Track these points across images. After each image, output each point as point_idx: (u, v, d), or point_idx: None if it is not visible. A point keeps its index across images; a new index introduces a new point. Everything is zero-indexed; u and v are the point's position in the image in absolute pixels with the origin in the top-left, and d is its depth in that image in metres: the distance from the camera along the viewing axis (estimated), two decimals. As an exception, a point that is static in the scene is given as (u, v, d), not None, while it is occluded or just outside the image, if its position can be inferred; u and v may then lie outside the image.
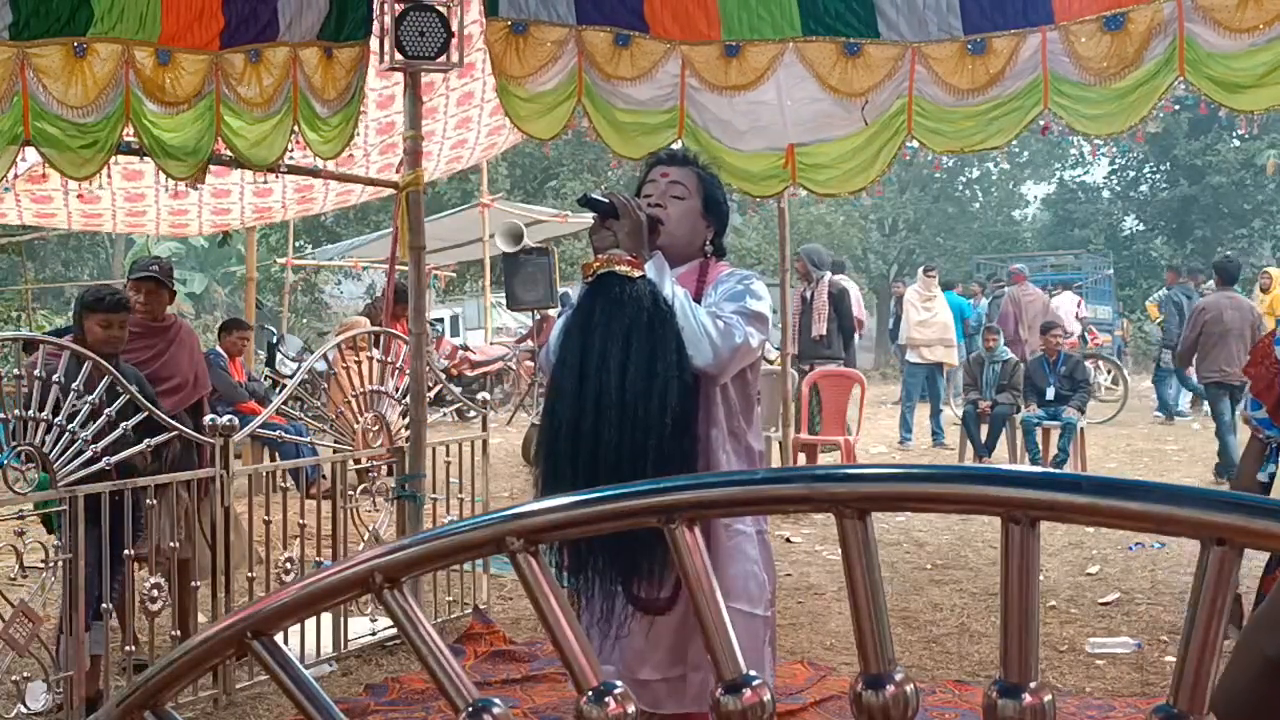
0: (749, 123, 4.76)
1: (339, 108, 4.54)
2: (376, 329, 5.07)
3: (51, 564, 3.60)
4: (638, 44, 4.70)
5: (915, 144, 4.67)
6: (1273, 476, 3.17)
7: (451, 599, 5.02)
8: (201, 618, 4.51)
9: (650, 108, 4.79)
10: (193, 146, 4.17)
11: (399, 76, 4.87)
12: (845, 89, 4.56)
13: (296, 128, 4.43)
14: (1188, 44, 4.04)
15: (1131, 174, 29.87)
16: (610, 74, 4.72)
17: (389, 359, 4.80)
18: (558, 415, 2.39)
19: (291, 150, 4.56)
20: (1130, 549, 6.22)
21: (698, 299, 2.58)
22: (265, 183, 7.21)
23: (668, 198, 2.63)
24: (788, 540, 6.54)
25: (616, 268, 2.40)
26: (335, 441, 4.72)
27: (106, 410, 3.59)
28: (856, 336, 10.01)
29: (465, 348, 15.03)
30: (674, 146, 2.93)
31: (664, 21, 4.66)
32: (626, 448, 2.28)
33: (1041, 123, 4.40)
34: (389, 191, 7.47)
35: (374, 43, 4.62)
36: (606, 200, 2.49)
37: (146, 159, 4.35)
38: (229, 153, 4.38)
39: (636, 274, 2.40)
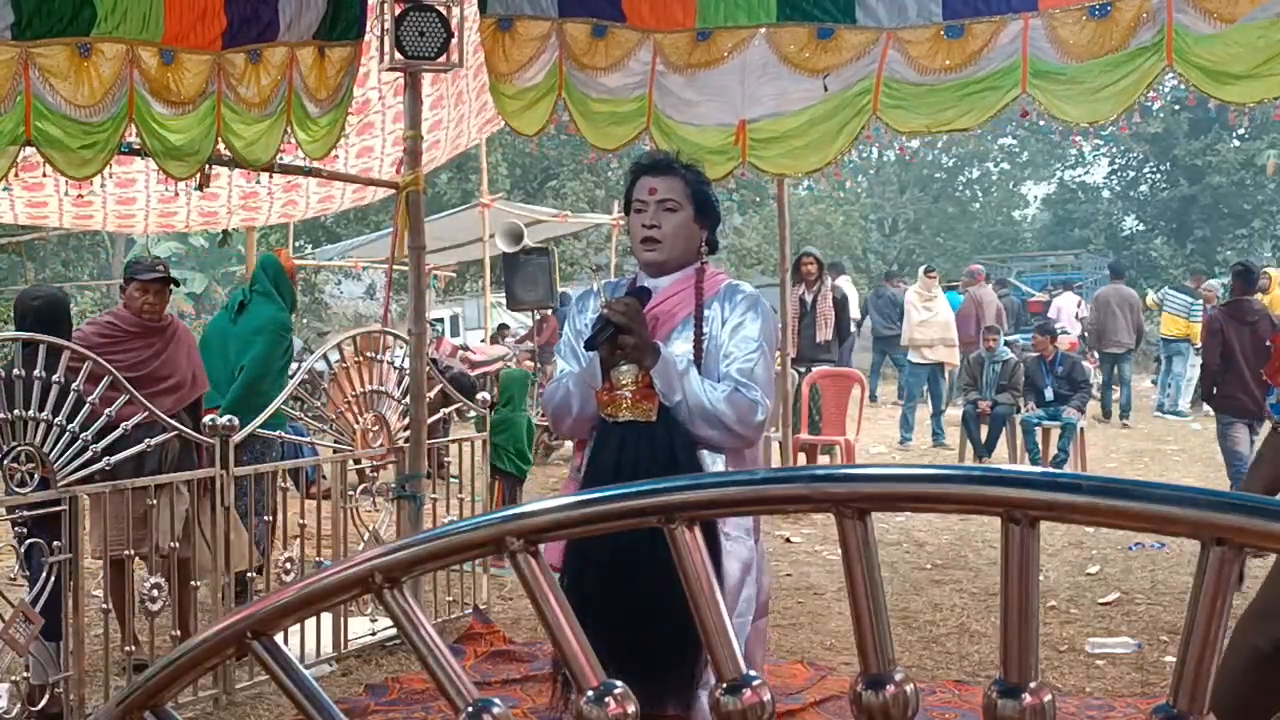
0: (706, 95, 4.65)
1: (329, 108, 4.54)
2: (376, 329, 5.06)
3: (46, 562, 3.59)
4: (614, 34, 4.65)
5: (880, 125, 4.50)
6: None
7: (451, 599, 5.02)
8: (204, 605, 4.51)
9: (620, 96, 4.72)
10: (195, 147, 4.17)
11: (373, 77, 4.88)
12: (808, 67, 4.46)
13: (289, 128, 4.43)
14: (1176, 32, 3.93)
15: (1131, 174, 29.89)
16: (586, 65, 4.68)
17: (388, 358, 4.80)
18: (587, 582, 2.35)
19: (284, 150, 4.56)
20: (1130, 549, 6.22)
21: (699, 308, 2.57)
22: (251, 187, 7.24)
23: (661, 214, 2.60)
24: (788, 540, 6.54)
25: (634, 416, 2.44)
26: (335, 441, 4.72)
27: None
28: (853, 335, 10.26)
29: (465, 348, 15.03)
30: (652, 151, 2.85)
31: (641, 12, 4.63)
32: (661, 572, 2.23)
33: (1019, 107, 4.27)
34: (375, 196, 7.49)
35: (373, 42, 4.62)
36: (606, 327, 2.45)
37: (145, 160, 4.35)
38: (227, 153, 4.38)
39: (652, 409, 2.43)
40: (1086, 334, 12.68)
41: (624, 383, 2.46)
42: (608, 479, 2.41)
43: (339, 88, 4.56)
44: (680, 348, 2.54)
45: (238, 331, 5.24)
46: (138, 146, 4.14)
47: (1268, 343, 6.99)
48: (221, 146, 4.30)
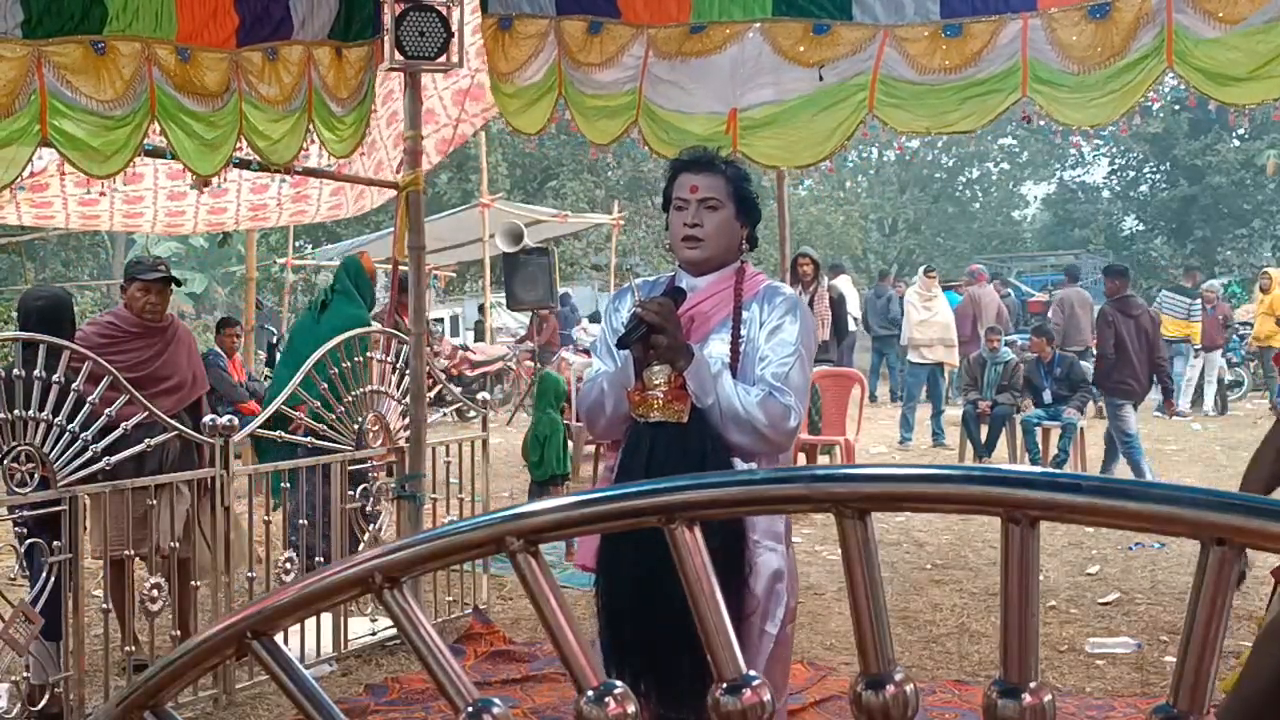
0: (697, 82, 4.61)
1: (352, 106, 4.55)
2: (377, 329, 5.07)
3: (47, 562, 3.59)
4: (609, 30, 4.62)
5: (877, 123, 4.45)
6: None
7: (451, 599, 5.02)
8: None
9: (612, 90, 4.69)
10: (220, 144, 4.16)
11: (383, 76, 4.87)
12: (804, 61, 4.42)
13: (312, 126, 4.43)
14: (1176, 34, 3.91)
15: (1131, 174, 29.89)
16: (581, 62, 4.66)
17: (388, 359, 4.79)
18: (619, 568, 2.38)
19: (307, 149, 4.56)
20: (1130, 549, 6.22)
21: (737, 310, 2.55)
22: (260, 200, 7.22)
23: (702, 212, 2.56)
24: (788, 540, 6.54)
25: (665, 417, 2.41)
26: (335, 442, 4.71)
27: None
28: (853, 335, 10.28)
29: (465, 348, 15.03)
30: (694, 148, 2.80)
31: (635, 7, 4.59)
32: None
33: (1020, 111, 4.25)
34: (375, 200, 7.50)
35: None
36: (639, 326, 2.42)
37: (153, 160, 4.34)
38: (250, 152, 4.36)
39: (684, 410, 2.40)
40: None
41: (656, 383, 2.43)
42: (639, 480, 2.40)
43: (360, 86, 4.56)
44: (718, 348, 2.51)
45: (321, 330, 5.45)
46: (162, 148, 4.12)
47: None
48: (244, 145, 4.29)
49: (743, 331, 2.52)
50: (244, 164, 4.55)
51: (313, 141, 4.51)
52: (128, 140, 3.87)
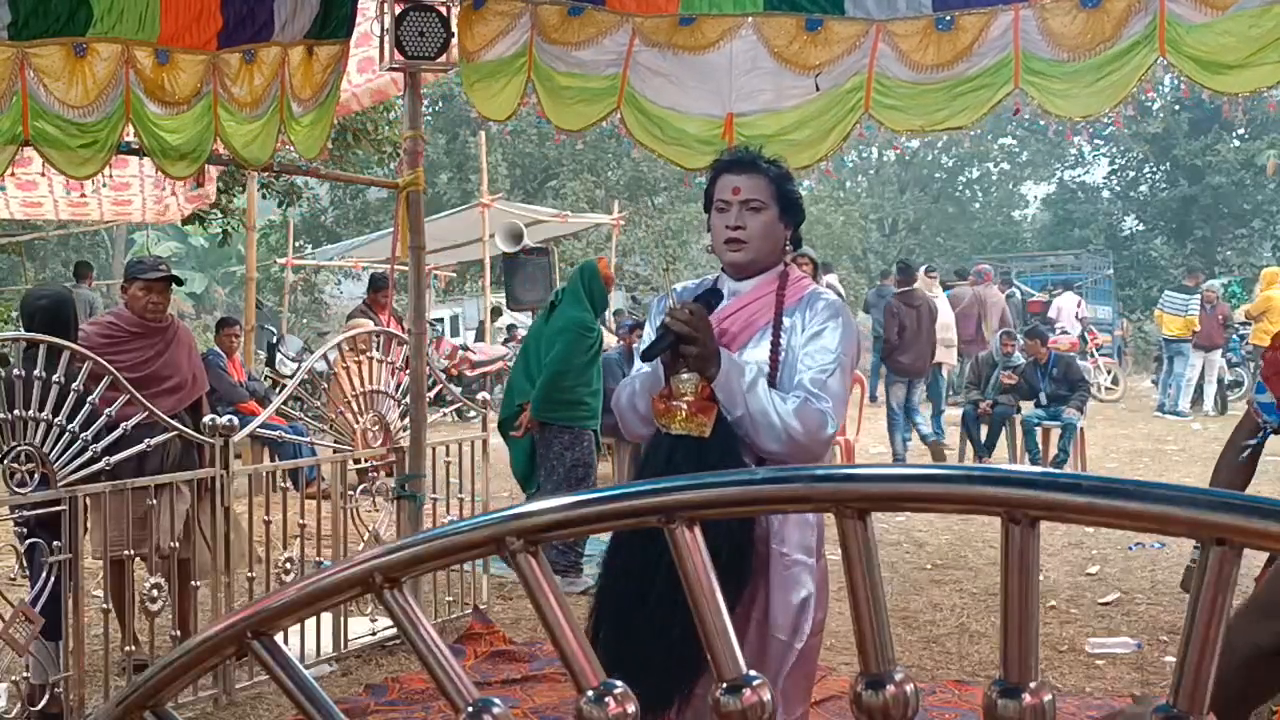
0: (692, 80, 4.52)
1: (312, 107, 4.49)
2: (377, 329, 5.07)
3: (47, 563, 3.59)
4: (590, 15, 4.53)
5: (873, 123, 4.42)
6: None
7: (451, 599, 5.02)
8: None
9: (591, 71, 4.57)
10: (193, 147, 4.17)
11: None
12: (799, 62, 4.36)
13: (283, 127, 4.42)
14: (1168, 21, 3.87)
15: (1131, 174, 29.89)
16: (556, 39, 4.54)
17: (388, 359, 4.80)
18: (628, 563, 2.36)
19: (280, 149, 4.57)
20: (1130, 549, 6.22)
21: (778, 312, 2.49)
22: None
23: (745, 214, 2.50)
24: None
25: (687, 430, 2.34)
26: (335, 441, 4.72)
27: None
28: None
29: (465, 348, 15.03)
30: (735, 149, 2.72)
31: None
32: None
33: (1012, 103, 4.22)
34: (174, 216, 7.64)
35: (373, 42, 4.61)
36: (666, 335, 2.35)
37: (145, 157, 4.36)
38: (226, 153, 4.38)
39: (707, 424, 2.33)
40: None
41: (683, 392, 2.35)
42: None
43: (324, 85, 4.50)
44: (758, 355, 2.45)
45: (547, 332, 5.72)
46: (136, 146, 4.15)
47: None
48: (221, 147, 4.31)
49: (783, 340, 2.46)
50: (219, 161, 4.56)
51: (286, 142, 4.51)
52: (104, 143, 3.90)
